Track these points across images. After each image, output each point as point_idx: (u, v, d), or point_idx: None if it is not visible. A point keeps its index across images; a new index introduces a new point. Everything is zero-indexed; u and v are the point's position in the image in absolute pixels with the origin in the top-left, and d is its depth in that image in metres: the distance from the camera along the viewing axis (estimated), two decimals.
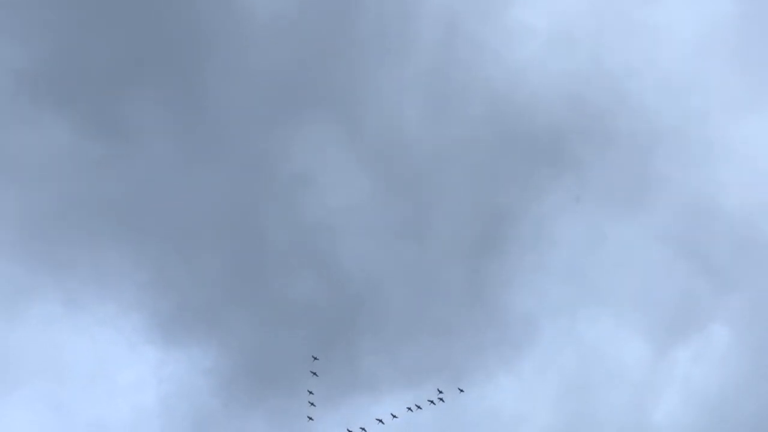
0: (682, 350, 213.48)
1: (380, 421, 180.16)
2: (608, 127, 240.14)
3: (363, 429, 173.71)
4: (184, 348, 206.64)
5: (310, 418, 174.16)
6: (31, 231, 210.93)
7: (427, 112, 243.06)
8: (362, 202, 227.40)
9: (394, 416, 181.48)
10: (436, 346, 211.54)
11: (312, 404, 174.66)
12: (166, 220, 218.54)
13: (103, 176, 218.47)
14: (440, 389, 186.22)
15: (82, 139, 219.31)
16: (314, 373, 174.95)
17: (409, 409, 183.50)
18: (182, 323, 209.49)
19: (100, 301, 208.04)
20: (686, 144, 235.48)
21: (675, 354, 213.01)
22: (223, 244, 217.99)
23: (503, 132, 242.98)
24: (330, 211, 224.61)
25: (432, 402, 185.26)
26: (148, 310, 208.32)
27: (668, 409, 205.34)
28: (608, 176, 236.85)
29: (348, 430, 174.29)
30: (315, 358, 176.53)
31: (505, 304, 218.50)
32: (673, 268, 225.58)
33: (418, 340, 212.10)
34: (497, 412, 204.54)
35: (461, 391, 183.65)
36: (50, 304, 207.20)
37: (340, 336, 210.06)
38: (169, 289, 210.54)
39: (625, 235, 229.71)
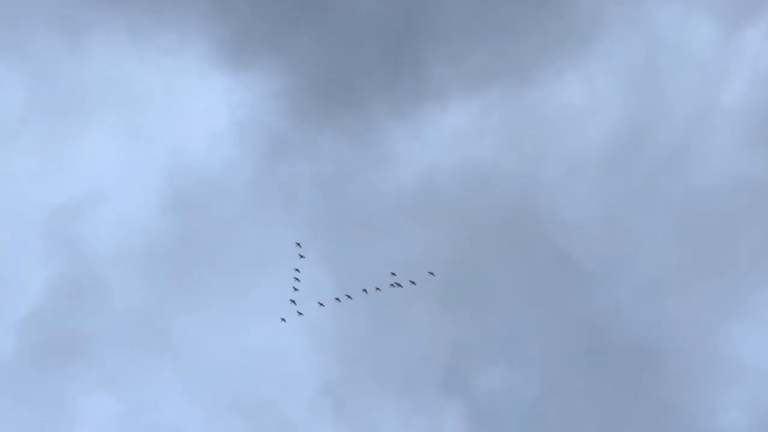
0: (752, 30, 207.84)
1: None
2: None
3: (349, 296, 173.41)
4: (252, 72, 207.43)
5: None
6: None
7: None
8: None
9: None
10: (502, 48, 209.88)
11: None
12: None
13: None
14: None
15: None
16: (301, 256, 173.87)
17: None
18: (248, 48, 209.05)
19: (162, 29, 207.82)
20: None
21: (745, 34, 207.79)
22: None
23: None
24: None
25: None
26: (212, 37, 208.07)
27: (737, 91, 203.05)
28: None
29: (336, 298, 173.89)
30: (298, 245, 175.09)
31: None
32: None
33: (483, 43, 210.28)
34: (567, 108, 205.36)
35: None
36: (114, 35, 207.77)
37: (405, 47, 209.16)
38: (231, 14, 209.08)
39: None
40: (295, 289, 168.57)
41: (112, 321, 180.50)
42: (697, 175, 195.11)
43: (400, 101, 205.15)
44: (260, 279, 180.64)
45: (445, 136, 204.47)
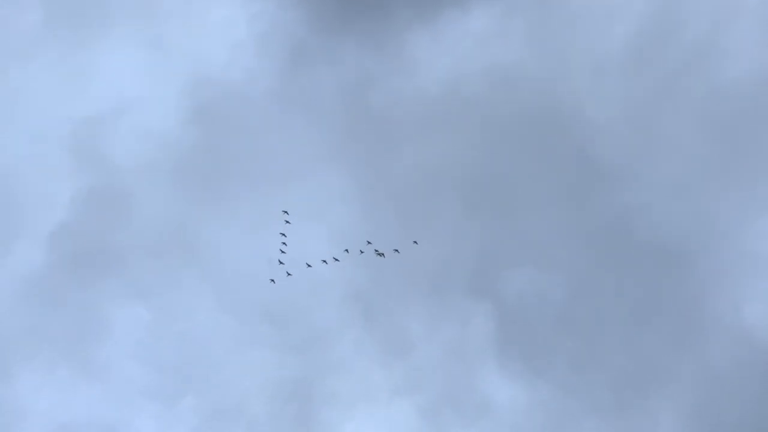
0: None
1: None
2: None
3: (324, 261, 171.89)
4: None
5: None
6: None
7: None
8: None
9: None
10: None
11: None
12: None
13: None
14: None
15: None
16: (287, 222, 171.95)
17: None
18: None
19: None
20: None
21: None
22: None
23: None
24: None
25: None
26: None
27: None
28: None
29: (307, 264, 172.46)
30: (285, 212, 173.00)
31: None
32: None
33: None
34: (591, 7, 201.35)
35: None
36: None
37: None
38: None
39: None
40: (282, 252, 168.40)
41: (139, 232, 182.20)
42: (722, 72, 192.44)
43: (422, 6, 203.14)
44: (285, 187, 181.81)
45: (468, 39, 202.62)
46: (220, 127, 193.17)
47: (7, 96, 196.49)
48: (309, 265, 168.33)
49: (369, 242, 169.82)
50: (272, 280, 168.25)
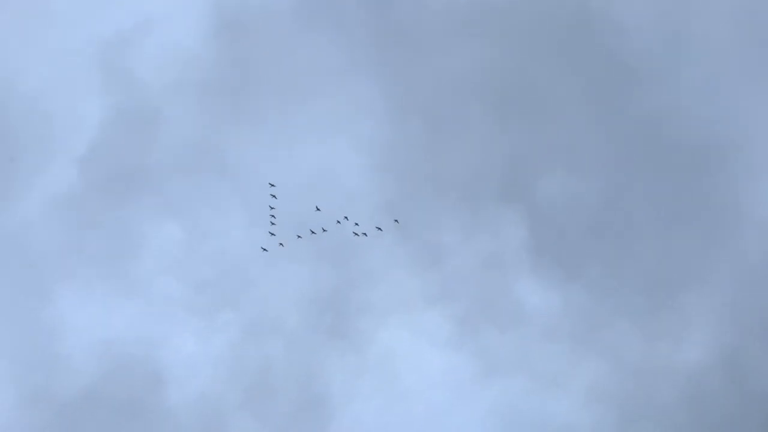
0: None
1: None
2: None
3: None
4: None
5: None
6: None
7: None
8: None
9: None
10: None
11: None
12: None
13: None
14: None
15: None
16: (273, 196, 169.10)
17: None
18: None
19: None
20: None
21: None
22: None
23: None
24: None
25: None
26: None
27: None
28: None
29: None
30: (271, 185, 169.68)
31: None
32: None
33: None
34: None
35: None
36: None
37: None
38: None
39: None
40: (272, 224, 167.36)
41: (169, 150, 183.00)
42: None
43: None
44: (312, 100, 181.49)
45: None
46: (247, 42, 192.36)
47: (33, 18, 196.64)
48: (299, 236, 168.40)
49: (357, 224, 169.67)
50: (264, 249, 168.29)
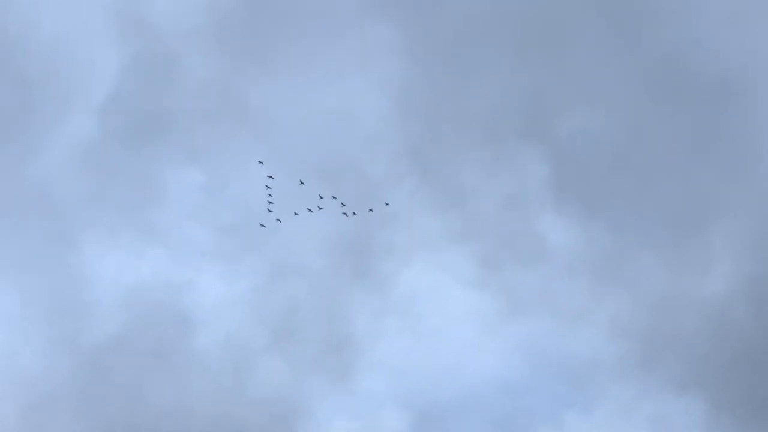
0: None
1: None
2: None
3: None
4: None
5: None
6: None
7: None
8: None
9: None
10: None
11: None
12: None
13: None
14: None
15: None
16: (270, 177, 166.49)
17: None
18: None
19: None
20: None
21: None
22: None
23: None
24: None
25: None
26: None
27: None
28: None
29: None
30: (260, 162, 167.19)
31: None
32: None
33: None
34: None
35: None
36: None
37: None
38: None
39: None
40: (270, 203, 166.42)
41: (188, 96, 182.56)
42: None
43: None
44: (332, 42, 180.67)
45: None
46: None
47: None
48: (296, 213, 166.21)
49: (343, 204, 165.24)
50: (262, 225, 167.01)
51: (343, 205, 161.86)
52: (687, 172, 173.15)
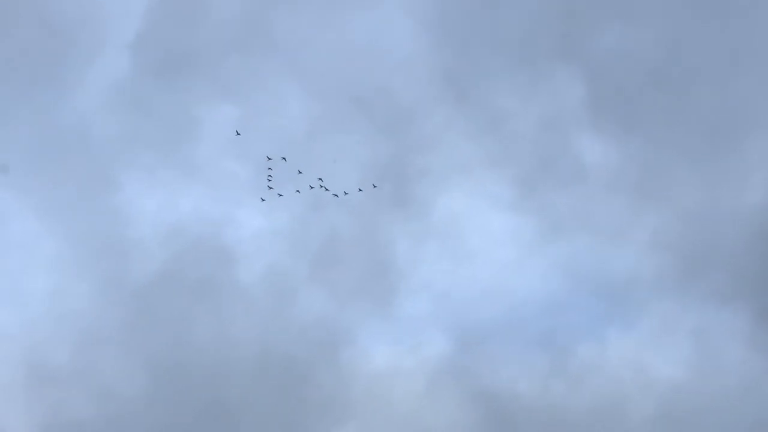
0: None
1: None
2: None
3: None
4: None
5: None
6: None
7: None
8: None
9: None
10: None
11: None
12: None
13: None
14: None
15: None
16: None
17: None
18: None
19: None
20: None
21: None
22: None
23: None
24: None
25: None
26: None
27: None
28: None
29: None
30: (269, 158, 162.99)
31: None
32: None
33: None
34: None
35: None
36: None
37: None
38: None
39: None
40: (270, 178, 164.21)
41: (218, 30, 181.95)
42: None
43: None
44: None
45: None
46: None
47: None
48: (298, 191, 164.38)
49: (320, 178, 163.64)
50: (262, 199, 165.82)
51: (326, 189, 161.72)
52: (723, 85, 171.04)
